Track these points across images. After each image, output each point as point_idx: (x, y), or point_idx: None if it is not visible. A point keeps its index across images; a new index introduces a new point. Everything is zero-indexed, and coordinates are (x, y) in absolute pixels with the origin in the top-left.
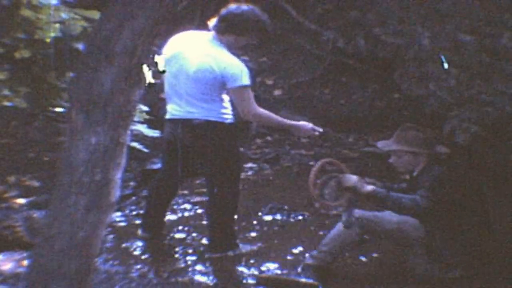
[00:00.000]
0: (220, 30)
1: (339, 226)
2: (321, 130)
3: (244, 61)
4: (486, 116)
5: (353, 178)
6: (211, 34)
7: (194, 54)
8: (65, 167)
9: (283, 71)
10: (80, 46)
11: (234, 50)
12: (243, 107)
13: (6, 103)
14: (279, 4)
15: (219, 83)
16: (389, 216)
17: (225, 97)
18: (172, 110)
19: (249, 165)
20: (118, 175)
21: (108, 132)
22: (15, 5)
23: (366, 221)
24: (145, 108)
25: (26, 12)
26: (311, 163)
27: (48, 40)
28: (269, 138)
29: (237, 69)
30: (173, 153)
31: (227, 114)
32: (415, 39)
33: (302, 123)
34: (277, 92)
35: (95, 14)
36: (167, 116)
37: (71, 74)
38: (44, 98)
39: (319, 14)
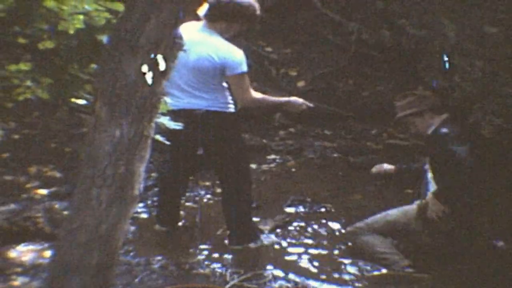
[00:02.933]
0: (212, 18)
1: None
2: (311, 105)
3: (267, 52)
4: (510, 109)
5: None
6: (201, 23)
7: (192, 44)
8: (88, 160)
9: (306, 62)
10: (103, 38)
11: (227, 37)
12: (241, 94)
13: (29, 95)
14: None
15: (219, 71)
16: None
17: (226, 86)
18: (171, 101)
19: (272, 156)
20: (142, 168)
21: (132, 125)
22: None
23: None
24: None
25: (50, 3)
26: (335, 155)
27: (71, 31)
28: (292, 129)
29: (236, 57)
30: (177, 145)
31: (229, 103)
32: (440, 31)
33: (293, 98)
34: (300, 84)
35: (119, 6)
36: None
37: (94, 66)
38: (67, 90)
39: (343, 5)
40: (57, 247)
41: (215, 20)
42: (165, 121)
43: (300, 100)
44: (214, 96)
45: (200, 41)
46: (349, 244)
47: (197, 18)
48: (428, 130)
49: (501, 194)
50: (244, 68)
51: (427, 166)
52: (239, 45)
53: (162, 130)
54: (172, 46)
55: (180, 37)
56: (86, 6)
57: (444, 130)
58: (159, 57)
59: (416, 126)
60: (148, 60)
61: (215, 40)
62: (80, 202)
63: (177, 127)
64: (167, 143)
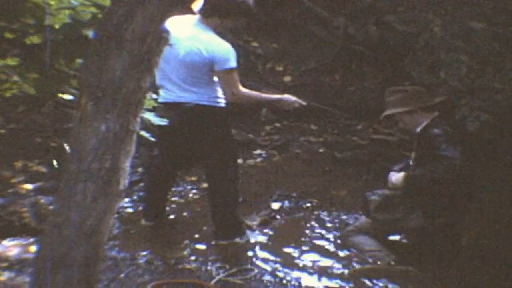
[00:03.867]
0: (206, 13)
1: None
2: (304, 103)
3: (254, 47)
4: (497, 104)
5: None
6: (196, 17)
7: (182, 38)
8: (73, 155)
9: (293, 57)
10: (89, 32)
11: (222, 32)
12: (230, 89)
13: (15, 91)
14: None
15: (208, 66)
16: None
17: (216, 81)
18: (164, 94)
19: (258, 151)
20: (127, 163)
21: (118, 120)
22: None
23: None
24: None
25: None
26: (321, 150)
27: (57, 26)
28: (278, 124)
29: (225, 52)
30: (168, 139)
31: (219, 97)
32: (426, 27)
33: (286, 96)
34: (287, 79)
35: (105, 1)
36: (159, 100)
37: (80, 61)
38: (53, 85)
39: (330, 0)
40: (42, 242)
41: (209, 15)
42: (150, 117)
43: (293, 98)
44: (204, 90)
45: (192, 35)
46: (338, 241)
47: (193, 12)
48: (417, 127)
49: (488, 191)
50: (233, 64)
51: (410, 162)
52: (226, 40)
53: (152, 123)
54: (158, 40)
55: (167, 32)
56: (72, 1)
57: (436, 131)
58: (145, 52)
59: (405, 123)
60: (134, 54)
61: (206, 35)
62: (65, 196)
63: (162, 123)
64: (152, 139)
